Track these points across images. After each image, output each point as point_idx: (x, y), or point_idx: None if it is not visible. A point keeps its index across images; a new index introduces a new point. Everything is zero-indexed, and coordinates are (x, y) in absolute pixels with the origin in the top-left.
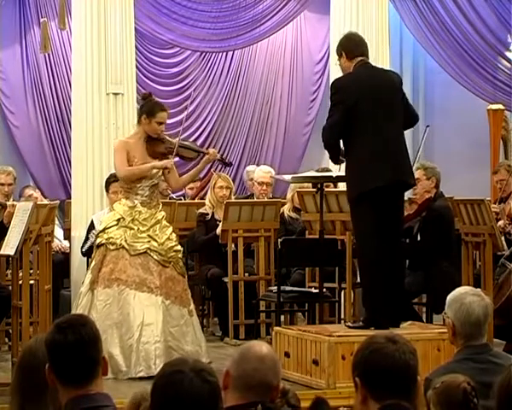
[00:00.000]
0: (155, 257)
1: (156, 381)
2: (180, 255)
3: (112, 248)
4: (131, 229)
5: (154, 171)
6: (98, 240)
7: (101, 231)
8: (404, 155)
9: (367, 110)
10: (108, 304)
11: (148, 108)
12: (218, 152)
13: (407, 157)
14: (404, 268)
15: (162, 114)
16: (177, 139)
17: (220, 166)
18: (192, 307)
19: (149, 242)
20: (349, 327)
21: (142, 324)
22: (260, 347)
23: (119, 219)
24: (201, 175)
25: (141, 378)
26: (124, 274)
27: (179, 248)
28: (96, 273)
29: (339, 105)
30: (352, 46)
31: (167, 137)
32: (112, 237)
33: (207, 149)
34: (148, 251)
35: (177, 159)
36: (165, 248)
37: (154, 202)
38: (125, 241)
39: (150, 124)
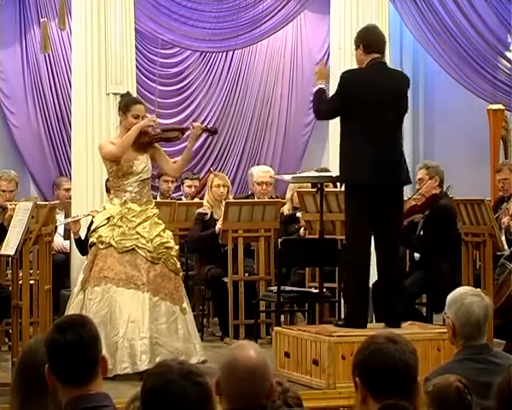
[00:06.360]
0: (143, 254)
1: (146, 395)
2: (173, 252)
3: (101, 247)
4: (120, 227)
5: (142, 166)
6: (90, 240)
7: (92, 231)
8: (395, 158)
9: (366, 110)
10: (97, 302)
11: (124, 103)
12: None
13: (399, 159)
14: (400, 269)
15: (137, 107)
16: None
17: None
18: (185, 304)
19: (137, 239)
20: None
21: (128, 320)
22: (247, 357)
23: (108, 218)
24: (201, 175)
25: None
26: (111, 272)
27: (171, 245)
28: (87, 273)
29: (343, 97)
30: (371, 41)
31: (149, 128)
32: (101, 236)
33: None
34: (136, 248)
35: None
36: (154, 245)
37: (144, 199)
38: (113, 239)
39: (127, 119)
